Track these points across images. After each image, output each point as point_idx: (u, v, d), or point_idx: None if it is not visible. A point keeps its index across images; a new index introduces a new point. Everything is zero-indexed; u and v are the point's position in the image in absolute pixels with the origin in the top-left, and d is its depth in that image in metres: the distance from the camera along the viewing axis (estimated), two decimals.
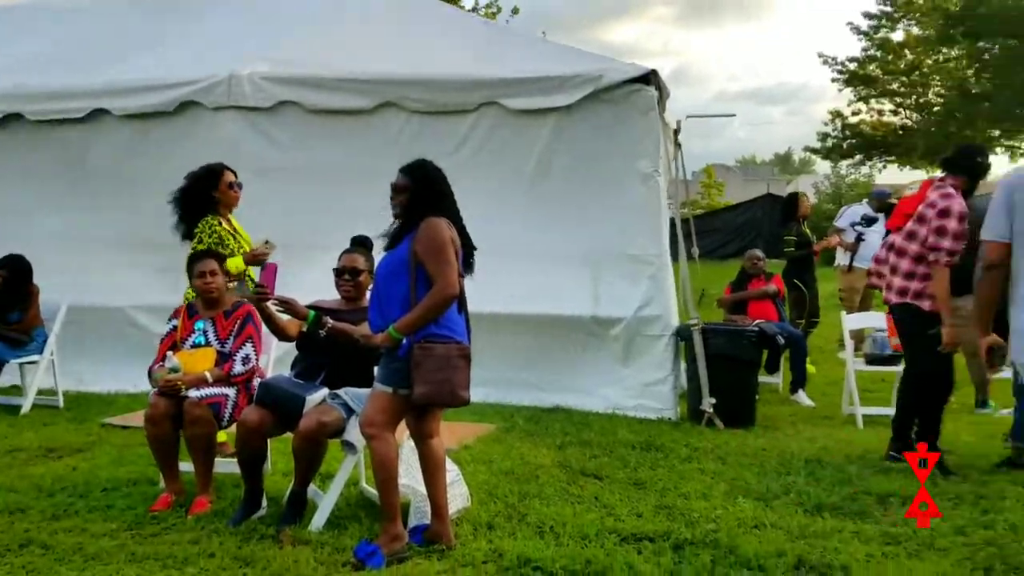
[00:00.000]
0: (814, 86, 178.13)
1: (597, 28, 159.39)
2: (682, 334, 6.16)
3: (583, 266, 6.34)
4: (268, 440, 3.93)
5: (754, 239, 23.45)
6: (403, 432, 3.62)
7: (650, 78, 6.23)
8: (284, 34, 7.57)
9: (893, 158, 28.20)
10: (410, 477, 3.72)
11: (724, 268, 18.51)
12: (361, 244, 4.10)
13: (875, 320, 6.79)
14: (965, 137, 24.86)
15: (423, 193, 3.42)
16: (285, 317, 3.89)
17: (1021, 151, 27.31)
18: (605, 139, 6.26)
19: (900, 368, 5.68)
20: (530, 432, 5.62)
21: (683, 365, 6.37)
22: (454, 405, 3.44)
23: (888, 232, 5.35)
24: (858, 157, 29.03)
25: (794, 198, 8.29)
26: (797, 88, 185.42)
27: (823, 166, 35.93)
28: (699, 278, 8.53)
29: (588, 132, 6.30)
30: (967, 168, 4.91)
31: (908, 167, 27.88)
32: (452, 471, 3.82)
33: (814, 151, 30.35)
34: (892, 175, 28.00)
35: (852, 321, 6.89)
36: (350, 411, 3.71)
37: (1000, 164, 44.74)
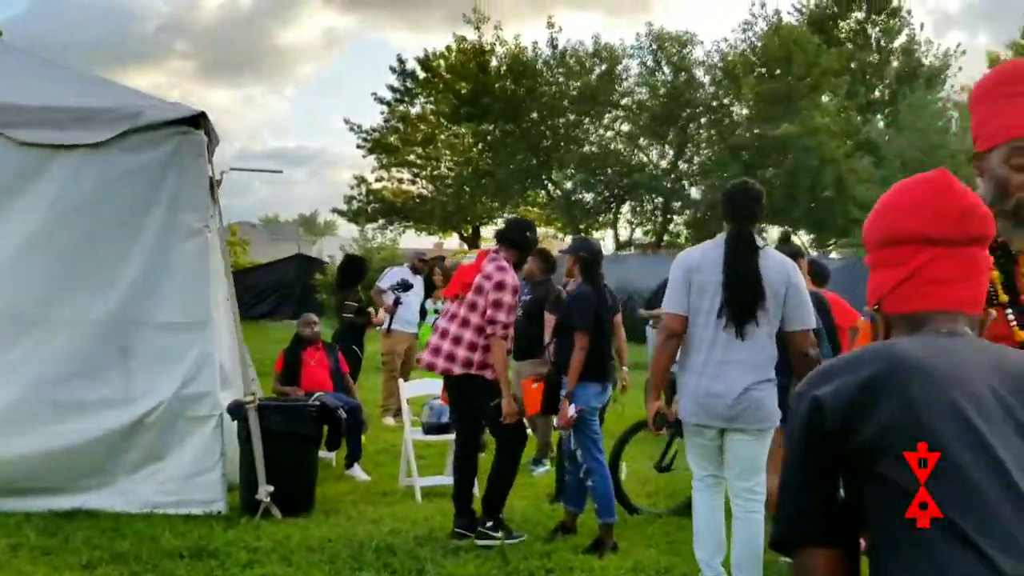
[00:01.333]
0: (333, 151, 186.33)
1: (118, 72, 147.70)
2: (234, 413, 5.41)
3: (112, 336, 5.27)
4: None
5: (286, 299, 23.08)
6: None
7: (199, 121, 5.47)
8: None
9: (411, 223, 30.40)
10: None
11: (262, 329, 17.75)
12: None
13: (431, 387, 6.75)
14: (474, 207, 27.83)
15: None
16: None
17: None
18: (146, 187, 5.31)
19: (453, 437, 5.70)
20: (46, 549, 4.43)
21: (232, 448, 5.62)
22: None
23: (427, 297, 5.49)
24: (381, 221, 30.66)
25: (355, 261, 8.13)
26: (317, 151, 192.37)
27: (347, 228, 37.39)
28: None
29: (124, 178, 5.29)
30: (516, 242, 5.23)
31: (426, 233, 30.27)
32: None
33: (341, 213, 31.41)
34: (412, 240, 30.13)
35: (410, 388, 6.83)
36: None
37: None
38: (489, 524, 4.83)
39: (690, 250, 4.29)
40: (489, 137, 28.04)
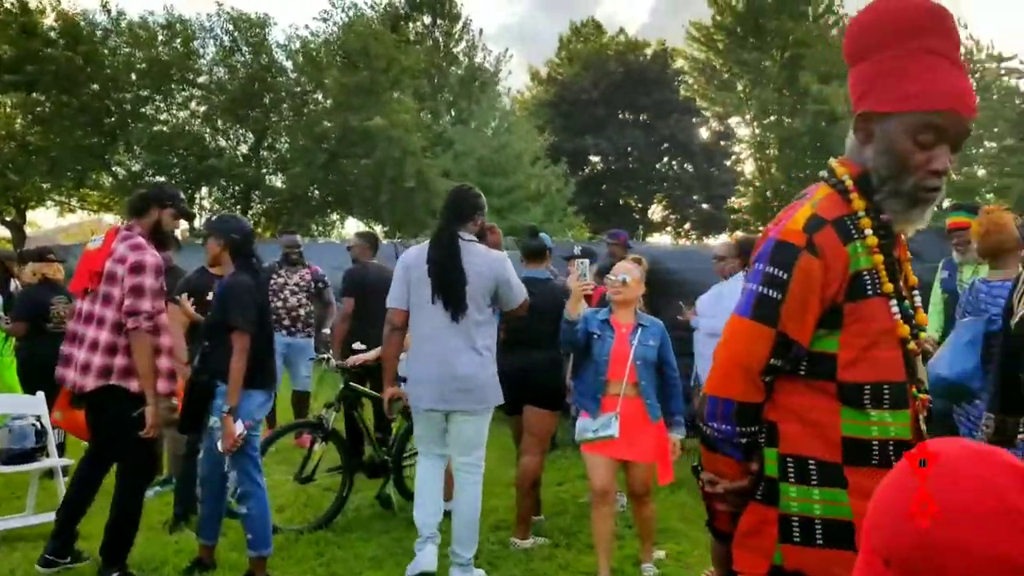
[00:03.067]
0: None
1: None
2: None
3: None
4: None
5: None
6: None
7: None
8: None
9: None
10: None
11: None
12: None
13: (14, 405, 5.63)
14: (23, 187, 23.96)
15: None
16: None
17: (70, 206, 27.96)
18: None
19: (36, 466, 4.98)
20: None
21: None
22: None
23: (71, 297, 4.55)
24: None
25: None
26: None
27: None
28: None
29: None
30: (141, 211, 4.31)
31: None
32: None
33: None
34: None
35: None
36: None
37: (48, 217, 44.38)
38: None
39: (409, 249, 4.47)
40: (39, 109, 24.39)
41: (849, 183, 1.78)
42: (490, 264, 4.18)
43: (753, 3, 32.41)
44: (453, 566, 4.19)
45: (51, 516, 4.56)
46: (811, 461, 1.72)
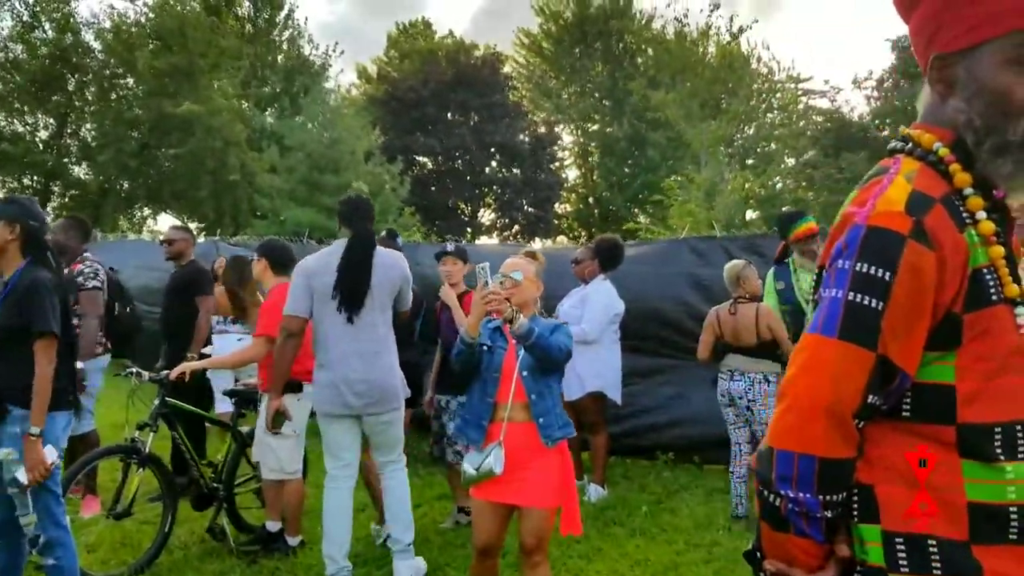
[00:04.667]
0: None
1: None
2: None
3: None
4: None
5: None
6: None
7: None
8: None
9: None
10: None
11: None
12: None
13: None
14: None
15: None
16: None
17: None
18: None
19: None
20: None
21: None
22: None
23: None
24: None
25: None
26: None
27: None
28: None
29: None
30: None
31: None
32: None
33: None
34: None
35: None
36: None
37: None
38: None
39: (307, 258, 4.36)
40: None
41: (944, 151, 1.33)
42: (396, 265, 4.35)
43: (581, 13, 33.28)
44: (395, 553, 4.29)
45: None
46: (931, 541, 1.25)
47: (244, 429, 5.14)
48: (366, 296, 4.16)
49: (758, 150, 26.69)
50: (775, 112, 30.57)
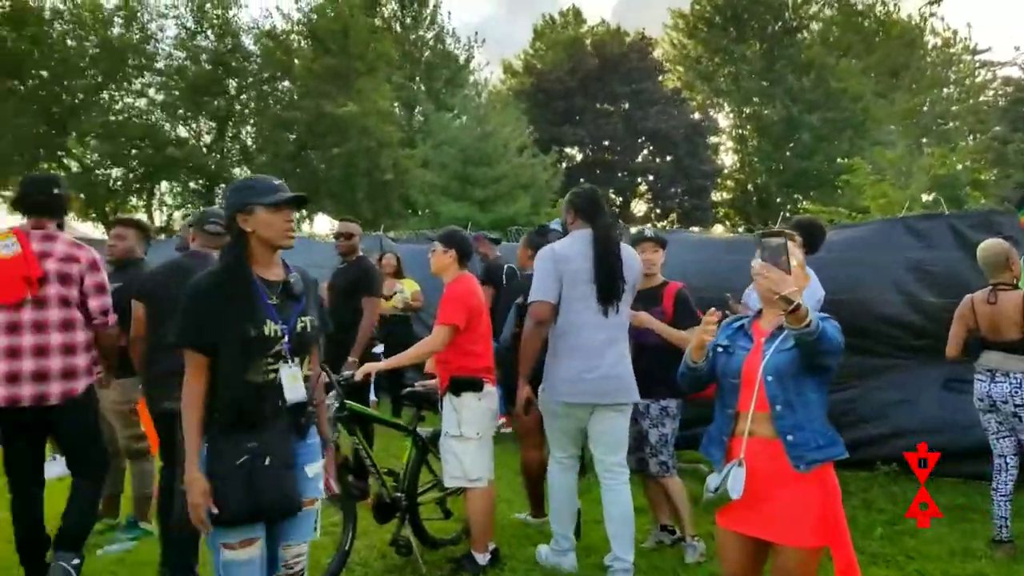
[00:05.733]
0: None
1: None
2: None
3: None
4: None
5: None
6: None
7: None
8: None
9: None
10: None
11: None
12: None
13: None
14: None
15: None
16: None
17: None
18: None
19: None
20: None
21: None
22: None
23: None
24: None
25: None
26: None
27: None
28: None
29: None
30: (46, 205, 4.00)
31: None
32: None
33: None
34: None
35: None
36: None
37: None
38: None
39: (557, 243, 4.30)
40: None
41: None
42: (634, 261, 4.31)
43: None
44: (613, 574, 4.14)
45: None
46: None
47: (424, 432, 4.72)
48: (621, 286, 4.13)
49: (933, 128, 24.57)
50: (951, 87, 28.27)
